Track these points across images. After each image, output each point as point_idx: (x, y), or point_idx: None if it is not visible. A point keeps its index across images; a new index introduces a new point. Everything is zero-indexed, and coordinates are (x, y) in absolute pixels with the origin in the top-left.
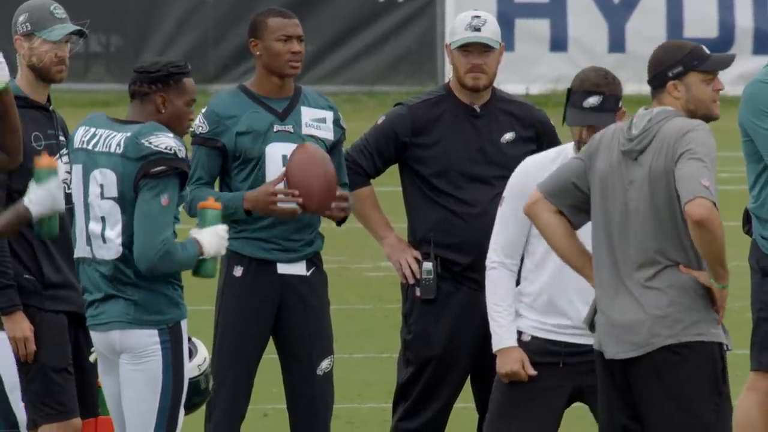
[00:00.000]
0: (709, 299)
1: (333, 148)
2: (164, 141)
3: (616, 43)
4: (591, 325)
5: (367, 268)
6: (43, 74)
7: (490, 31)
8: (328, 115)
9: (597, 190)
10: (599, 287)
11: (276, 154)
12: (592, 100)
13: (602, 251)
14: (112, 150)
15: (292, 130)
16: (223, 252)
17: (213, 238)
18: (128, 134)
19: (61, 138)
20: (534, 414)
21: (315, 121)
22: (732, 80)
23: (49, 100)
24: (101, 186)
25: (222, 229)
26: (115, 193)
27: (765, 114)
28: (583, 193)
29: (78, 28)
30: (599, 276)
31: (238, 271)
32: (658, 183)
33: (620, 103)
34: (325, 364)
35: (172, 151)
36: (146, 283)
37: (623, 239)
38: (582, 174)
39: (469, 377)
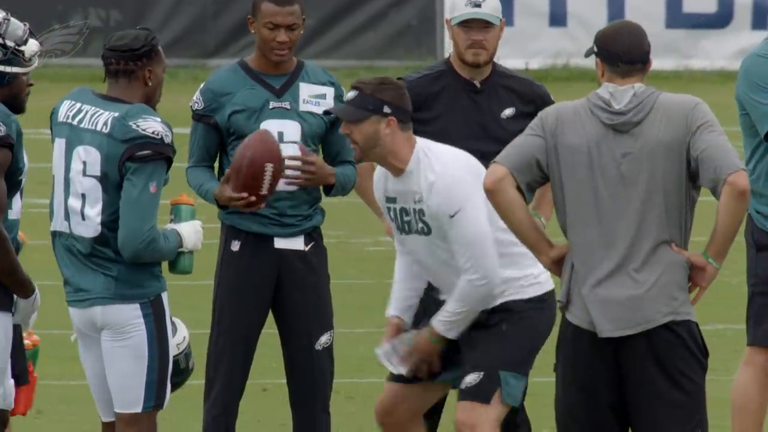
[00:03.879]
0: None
1: (334, 124)
2: (152, 125)
3: (616, 18)
4: (567, 302)
5: (366, 242)
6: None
7: (491, 7)
8: (329, 90)
9: (580, 166)
10: (585, 264)
11: (271, 131)
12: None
13: (589, 227)
14: (98, 128)
15: (288, 107)
16: (200, 247)
17: (192, 231)
18: (116, 114)
19: None
20: None
21: (313, 97)
22: (731, 55)
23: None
24: (84, 163)
25: (198, 224)
26: (98, 172)
27: (760, 87)
28: (541, 172)
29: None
30: (585, 252)
31: (235, 246)
32: (665, 154)
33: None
34: (324, 339)
35: (159, 136)
36: (124, 259)
37: (618, 213)
38: (544, 152)
39: None
